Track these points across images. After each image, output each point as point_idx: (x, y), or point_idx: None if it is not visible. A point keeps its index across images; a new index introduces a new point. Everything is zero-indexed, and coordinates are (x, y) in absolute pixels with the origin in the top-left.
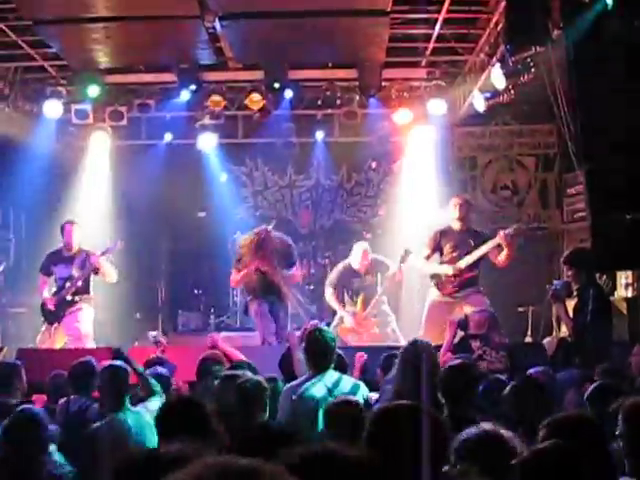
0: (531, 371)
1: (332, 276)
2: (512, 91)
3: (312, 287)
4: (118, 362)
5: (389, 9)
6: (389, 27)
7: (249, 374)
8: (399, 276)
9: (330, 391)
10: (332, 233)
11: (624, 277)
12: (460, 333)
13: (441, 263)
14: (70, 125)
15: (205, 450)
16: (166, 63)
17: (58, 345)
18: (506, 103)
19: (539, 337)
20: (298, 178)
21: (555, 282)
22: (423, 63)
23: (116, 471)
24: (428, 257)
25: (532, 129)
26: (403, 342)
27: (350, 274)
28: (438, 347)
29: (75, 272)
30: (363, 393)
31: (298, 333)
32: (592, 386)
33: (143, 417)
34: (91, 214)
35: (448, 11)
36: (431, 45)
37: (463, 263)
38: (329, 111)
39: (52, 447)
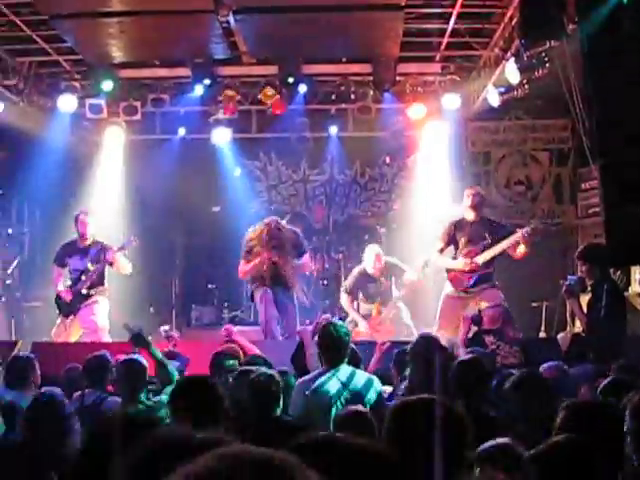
0: (544, 366)
1: (348, 282)
2: (526, 86)
3: (326, 282)
4: (134, 356)
5: (404, 3)
6: (403, 22)
7: (263, 369)
8: (418, 285)
9: (344, 385)
10: (346, 228)
11: (638, 272)
12: (474, 328)
13: (456, 257)
14: (84, 119)
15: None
16: (180, 58)
17: (73, 338)
18: (520, 98)
19: (553, 332)
20: (312, 173)
21: (569, 277)
22: (437, 58)
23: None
24: (442, 250)
25: (546, 124)
26: (415, 334)
27: (366, 279)
28: (453, 342)
29: (90, 265)
30: (376, 387)
31: (310, 327)
32: (606, 380)
33: (158, 412)
34: (105, 208)
35: (462, 5)
36: (445, 40)
37: (480, 259)
38: (343, 106)
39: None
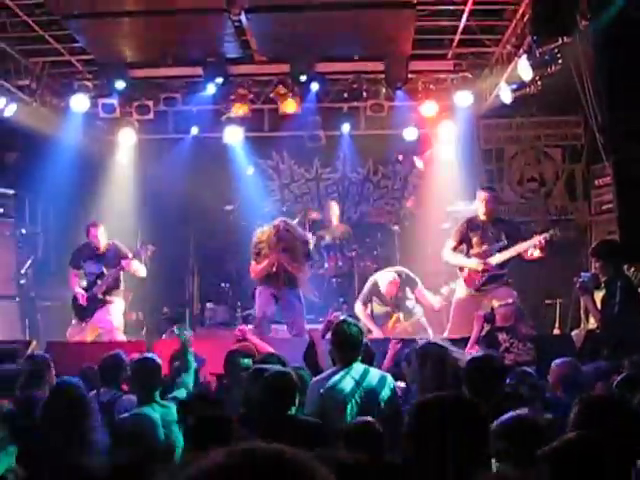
0: (556, 362)
1: (363, 293)
2: (539, 82)
3: (339, 280)
4: (149, 355)
5: (416, 1)
6: (416, 19)
7: (278, 367)
8: (438, 306)
9: (358, 384)
10: (359, 226)
11: None
12: (487, 327)
13: (469, 256)
14: (97, 119)
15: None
16: (192, 57)
17: (89, 339)
18: (533, 95)
19: (567, 329)
20: (324, 171)
21: (582, 274)
22: (449, 55)
23: None
24: (455, 248)
25: (559, 120)
26: (430, 333)
27: (379, 291)
28: (465, 340)
29: (105, 269)
30: (390, 384)
31: (320, 326)
32: (620, 376)
33: (172, 412)
34: (118, 208)
35: (474, 2)
36: (457, 37)
37: (495, 260)
38: (355, 104)
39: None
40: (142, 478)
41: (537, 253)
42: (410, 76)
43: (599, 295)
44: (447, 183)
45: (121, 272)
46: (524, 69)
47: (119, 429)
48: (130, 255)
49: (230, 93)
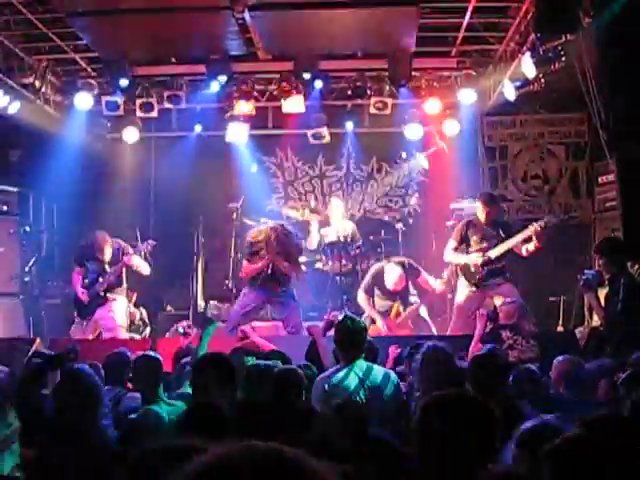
0: (559, 358)
1: (365, 281)
2: (542, 80)
3: (343, 278)
4: (150, 352)
5: None
6: (419, 16)
7: (279, 364)
8: (439, 289)
9: (362, 381)
10: (362, 223)
11: None
12: (490, 325)
13: (469, 253)
14: (101, 117)
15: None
16: (196, 54)
17: (91, 337)
18: (536, 92)
19: (571, 327)
20: (328, 168)
21: (586, 271)
22: (453, 53)
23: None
24: (456, 249)
25: (563, 118)
26: (434, 331)
27: (382, 279)
28: (468, 337)
29: (108, 267)
30: (394, 380)
31: (320, 323)
32: (625, 374)
33: (179, 410)
34: (122, 206)
35: (478, 0)
36: (461, 34)
37: (494, 253)
38: (359, 101)
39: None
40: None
41: (532, 247)
42: (414, 74)
43: (603, 292)
44: (451, 180)
45: (123, 269)
46: (528, 66)
47: (131, 429)
48: (131, 251)
49: (234, 91)
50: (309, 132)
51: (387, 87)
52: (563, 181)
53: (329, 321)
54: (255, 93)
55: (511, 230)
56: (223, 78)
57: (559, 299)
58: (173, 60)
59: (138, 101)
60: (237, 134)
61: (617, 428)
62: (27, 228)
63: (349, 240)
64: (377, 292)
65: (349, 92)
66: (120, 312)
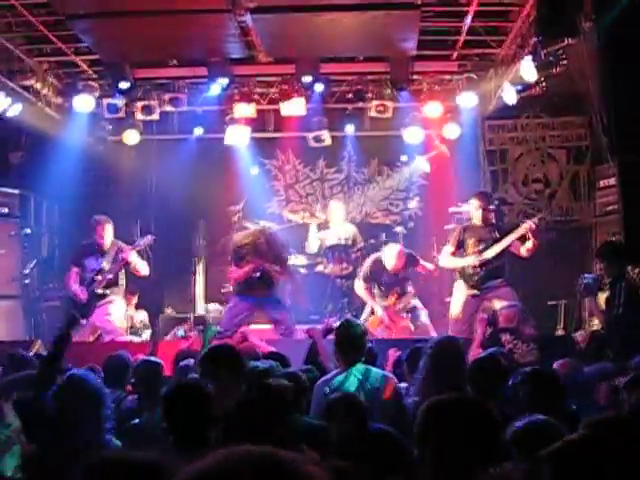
0: (558, 362)
1: (363, 269)
2: (543, 83)
3: (344, 280)
4: (150, 357)
5: (420, 2)
6: (420, 20)
7: (274, 365)
8: (435, 273)
9: (361, 384)
10: (363, 226)
11: None
12: (489, 329)
13: (466, 256)
14: (102, 119)
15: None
16: (197, 57)
17: (90, 339)
18: (537, 96)
19: (571, 330)
20: (329, 171)
21: (586, 275)
22: (454, 56)
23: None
24: (453, 254)
25: (563, 121)
26: (434, 335)
27: (381, 268)
28: (467, 341)
29: (106, 265)
30: (393, 383)
31: (320, 326)
32: (628, 377)
33: None
34: (122, 208)
35: (479, 3)
36: (462, 38)
37: (490, 253)
38: (360, 104)
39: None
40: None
41: (530, 244)
42: (414, 77)
43: (603, 296)
44: (451, 184)
45: (122, 268)
46: (528, 70)
47: (134, 435)
48: (129, 247)
49: (234, 94)
50: (310, 135)
51: (388, 90)
52: (564, 185)
53: (327, 326)
54: (256, 96)
55: (506, 228)
56: (224, 81)
57: (559, 303)
58: (174, 63)
59: (139, 104)
60: (238, 137)
61: (620, 429)
62: (28, 230)
63: (350, 243)
64: (376, 290)
65: (350, 95)
66: (118, 314)
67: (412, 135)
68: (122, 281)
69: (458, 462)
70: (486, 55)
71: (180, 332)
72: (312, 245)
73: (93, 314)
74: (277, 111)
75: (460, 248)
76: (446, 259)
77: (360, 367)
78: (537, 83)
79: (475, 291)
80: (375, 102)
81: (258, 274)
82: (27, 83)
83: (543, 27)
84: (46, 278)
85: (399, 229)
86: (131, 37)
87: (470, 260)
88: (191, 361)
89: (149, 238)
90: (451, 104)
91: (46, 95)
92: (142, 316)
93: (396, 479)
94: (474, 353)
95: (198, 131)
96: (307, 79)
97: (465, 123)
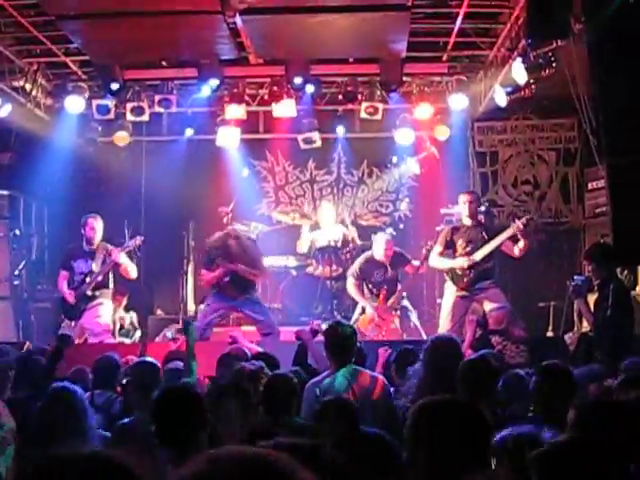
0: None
1: (354, 267)
2: (533, 86)
3: (333, 282)
4: (148, 358)
5: (410, 4)
6: (410, 22)
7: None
8: (421, 269)
9: (350, 384)
10: (353, 228)
11: None
12: (479, 331)
13: (455, 257)
14: (92, 120)
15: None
16: (187, 58)
17: (79, 341)
18: (527, 97)
19: (560, 332)
20: (319, 173)
21: (576, 277)
22: (444, 58)
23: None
24: (441, 254)
25: (553, 123)
26: (424, 336)
27: (372, 266)
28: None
29: (95, 267)
30: (382, 384)
31: (307, 328)
32: (620, 378)
33: None
34: (112, 209)
35: (469, 5)
36: (452, 40)
37: (479, 255)
38: (350, 106)
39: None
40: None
41: (521, 244)
42: (405, 79)
43: (592, 298)
44: (441, 186)
45: (110, 270)
46: (518, 72)
47: (120, 434)
48: (118, 249)
49: (225, 95)
50: (300, 137)
51: (378, 92)
52: (553, 187)
53: (313, 329)
54: (246, 97)
55: (494, 229)
56: (214, 82)
57: (549, 304)
58: (164, 64)
59: (129, 105)
60: (228, 138)
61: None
62: (17, 231)
63: (339, 245)
64: (366, 290)
65: (340, 97)
66: (107, 317)
67: (403, 137)
68: (111, 283)
69: (450, 463)
70: (476, 57)
71: (169, 334)
72: (303, 245)
73: (82, 316)
74: (267, 112)
75: (449, 248)
76: (435, 259)
77: (349, 368)
78: (527, 85)
79: (465, 292)
80: (365, 104)
81: (228, 278)
82: (17, 84)
83: (533, 29)
84: (35, 279)
85: (389, 230)
86: (121, 38)
87: (459, 262)
88: (179, 363)
89: (138, 239)
90: (441, 106)
91: (36, 96)
92: (132, 317)
93: None
94: (465, 355)
95: (188, 132)
96: (297, 80)
97: (455, 125)
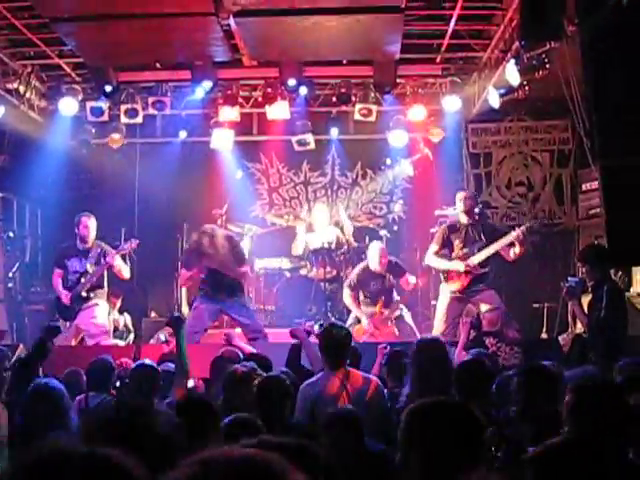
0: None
1: (350, 278)
2: (527, 87)
3: (327, 284)
4: (147, 361)
5: (404, 6)
6: (404, 24)
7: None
8: (419, 284)
9: (343, 385)
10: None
11: None
12: (473, 332)
13: (452, 259)
14: (85, 122)
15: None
16: (181, 60)
17: (73, 342)
18: (521, 99)
19: (554, 334)
20: (313, 175)
21: (569, 279)
22: (438, 60)
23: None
24: (437, 252)
25: (547, 125)
26: (418, 336)
27: (368, 276)
28: (452, 344)
29: (89, 267)
30: (375, 386)
31: (302, 328)
32: (622, 377)
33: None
34: (106, 211)
35: (463, 7)
36: (446, 41)
37: (476, 260)
38: (344, 108)
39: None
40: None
41: (517, 250)
42: (398, 81)
43: (586, 299)
44: (435, 187)
45: (105, 271)
46: (512, 74)
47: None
48: (114, 252)
49: (218, 97)
50: (294, 138)
51: (372, 94)
52: (547, 188)
53: (305, 330)
54: (240, 99)
55: (494, 235)
56: (208, 84)
57: (543, 306)
58: (158, 66)
59: (123, 107)
60: (222, 140)
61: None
62: (11, 234)
63: (333, 246)
64: (362, 297)
65: (334, 99)
66: (102, 318)
67: (396, 138)
68: (105, 284)
69: (444, 464)
70: (470, 59)
71: (162, 336)
72: (298, 247)
73: (77, 317)
74: (261, 114)
75: (445, 247)
76: (430, 258)
77: (343, 370)
78: (520, 87)
79: (459, 294)
80: (359, 105)
81: (204, 276)
82: (10, 86)
83: (526, 31)
84: (29, 282)
85: (383, 232)
86: (115, 40)
87: (455, 265)
88: (171, 365)
89: (133, 242)
90: (435, 107)
91: (29, 98)
92: (125, 320)
93: None
94: (459, 356)
95: (182, 134)
96: (291, 82)
97: (449, 126)
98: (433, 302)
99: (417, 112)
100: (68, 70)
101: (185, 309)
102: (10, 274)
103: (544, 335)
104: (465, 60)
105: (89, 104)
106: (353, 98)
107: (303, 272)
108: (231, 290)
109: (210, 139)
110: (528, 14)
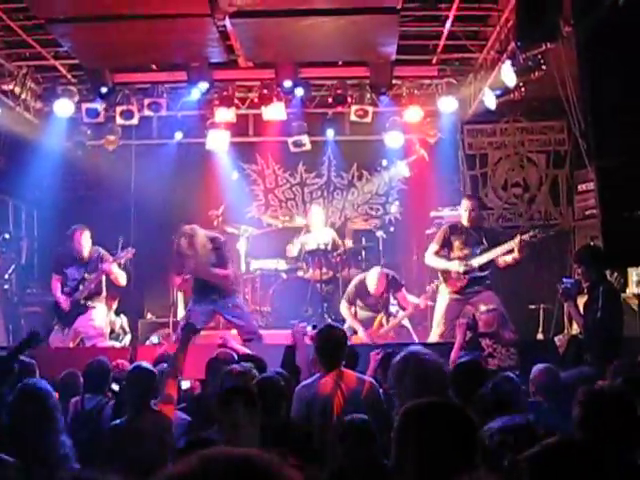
0: (540, 366)
1: (348, 291)
2: (523, 88)
3: (324, 285)
4: (143, 363)
5: (399, 6)
6: (400, 25)
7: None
8: (423, 305)
9: (340, 387)
10: (343, 231)
11: (635, 274)
12: (469, 333)
13: (451, 259)
14: (81, 124)
15: None
16: (177, 62)
17: (71, 345)
18: (517, 100)
19: (550, 335)
20: (309, 176)
21: (565, 280)
22: (434, 61)
23: None
24: (437, 252)
25: (543, 126)
26: (416, 339)
27: (365, 289)
28: (449, 345)
29: (87, 275)
30: (371, 387)
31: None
32: (622, 378)
33: (164, 420)
34: (102, 213)
35: (458, 8)
36: (442, 42)
37: (476, 262)
38: (340, 109)
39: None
40: None
41: (510, 259)
42: (394, 82)
43: (582, 300)
44: (431, 188)
45: (102, 277)
46: (508, 75)
47: (111, 435)
48: (111, 259)
49: (214, 98)
50: (290, 140)
51: (368, 95)
52: (543, 189)
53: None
54: (236, 101)
55: (496, 239)
56: (204, 85)
57: (539, 307)
58: (154, 67)
59: (118, 108)
60: (218, 141)
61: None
62: (7, 235)
63: (329, 248)
64: (359, 303)
65: (330, 100)
66: (100, 320)
67: (392, 139)
68: (104, 290)
69: (438, 465)
70: (466, 60)
71: (155, 339)
72: (294, 249)
73: (76, 321)
74: (257, 116)
75: (445, 247)
76: (430, 257)
77: (338, 370)
78: (516, 88)
79: (458, 295)
80: (355, 107)
81: (191, 278)
82: (6, 87)
83: (522, 32)
84: (25, 283)
85: (379, 233)
86: (111, 42)
87: (455, 266)
88: (164, 365)
89: (130, 252)
90: (431, 108)
91: (25, 99)
92: (122, 321)
93: None
94: (454, 357)
95: (178, 136)
96: (287, 84)
97: (445, 128)
98: (430, 303)
99: (413, 113)
100: (64, 71)
101: (181, 310)
102: (6, 276)
103: (540, 336)
104: (461, 61)
105: (85, 105)
106: (349, 99)
107: (299, 273)
108: (220, 291)
109: (206, 140)
110: (524, 15)
